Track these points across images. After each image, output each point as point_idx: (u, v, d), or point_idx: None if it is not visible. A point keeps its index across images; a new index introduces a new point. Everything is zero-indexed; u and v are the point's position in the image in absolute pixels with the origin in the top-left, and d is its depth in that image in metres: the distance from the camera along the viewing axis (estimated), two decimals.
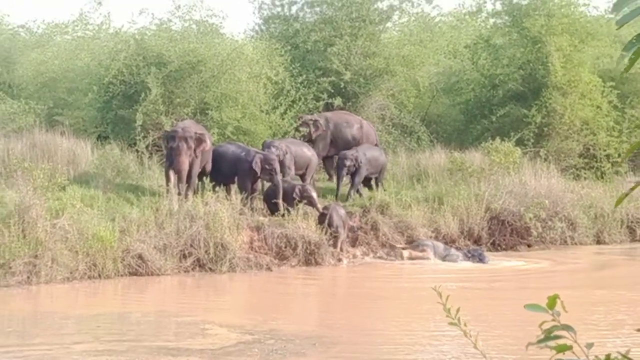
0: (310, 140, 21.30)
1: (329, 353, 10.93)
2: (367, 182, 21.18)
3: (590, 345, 2.10)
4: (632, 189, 2.29)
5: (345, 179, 21.01)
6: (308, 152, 20.50)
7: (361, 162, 20.58)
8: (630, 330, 12.02)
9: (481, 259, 19.07)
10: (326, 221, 18.26)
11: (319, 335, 11.88)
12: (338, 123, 21.97)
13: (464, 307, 2.55)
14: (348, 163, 20.47)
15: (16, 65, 26.11)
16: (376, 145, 22.13)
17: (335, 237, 18.46)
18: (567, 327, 2.13)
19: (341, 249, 18.62)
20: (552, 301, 2.17)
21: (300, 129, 21.47)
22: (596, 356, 2.09)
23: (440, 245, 19.45)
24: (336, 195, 20.54)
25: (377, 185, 21.09)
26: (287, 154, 19.56)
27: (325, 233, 18.12)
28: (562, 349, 2.10)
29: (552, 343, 2.13)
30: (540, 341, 2.16)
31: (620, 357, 2.09)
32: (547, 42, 24.59)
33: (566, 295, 2.26)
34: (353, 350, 11.12)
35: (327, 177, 22.70)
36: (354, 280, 17.65)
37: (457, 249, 19.71)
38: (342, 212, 18.90)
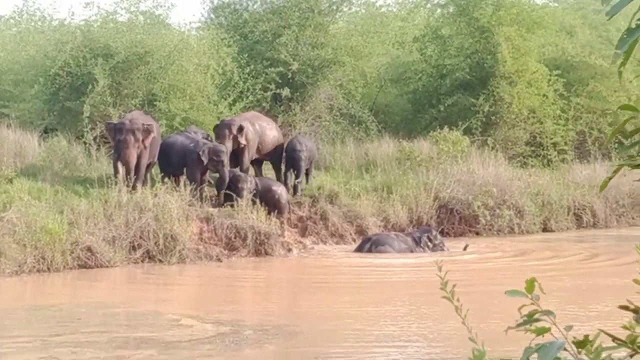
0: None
1: (292, 342, 10.97)
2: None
3: (569, 328, 2.12)
4: (615, 171, 2.32)
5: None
6: None
7: (306, 151, 20.10)
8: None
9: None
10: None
11: (278, 325, 11.88)
12: (262, 125, 20.48)
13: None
14: (306, 154, 19.95)
15: None
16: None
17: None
18: (547, 312, 2.16)
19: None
20: (531, 285, 2.19)
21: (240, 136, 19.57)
22: (574, 337, 2.11)
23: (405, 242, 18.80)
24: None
25: (307, 176, 20.56)
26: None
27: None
28: (541, 331, 2.13)
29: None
30: (519, 325, 2.18)
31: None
32: (495, 32, 24.72)
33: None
34: (314, 339, 11.15)
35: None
36: (305, 270, 17.61)
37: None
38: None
